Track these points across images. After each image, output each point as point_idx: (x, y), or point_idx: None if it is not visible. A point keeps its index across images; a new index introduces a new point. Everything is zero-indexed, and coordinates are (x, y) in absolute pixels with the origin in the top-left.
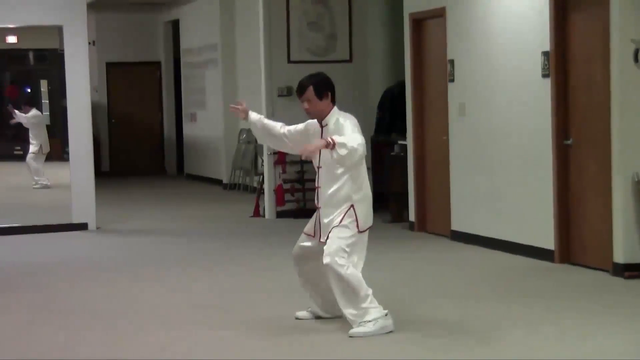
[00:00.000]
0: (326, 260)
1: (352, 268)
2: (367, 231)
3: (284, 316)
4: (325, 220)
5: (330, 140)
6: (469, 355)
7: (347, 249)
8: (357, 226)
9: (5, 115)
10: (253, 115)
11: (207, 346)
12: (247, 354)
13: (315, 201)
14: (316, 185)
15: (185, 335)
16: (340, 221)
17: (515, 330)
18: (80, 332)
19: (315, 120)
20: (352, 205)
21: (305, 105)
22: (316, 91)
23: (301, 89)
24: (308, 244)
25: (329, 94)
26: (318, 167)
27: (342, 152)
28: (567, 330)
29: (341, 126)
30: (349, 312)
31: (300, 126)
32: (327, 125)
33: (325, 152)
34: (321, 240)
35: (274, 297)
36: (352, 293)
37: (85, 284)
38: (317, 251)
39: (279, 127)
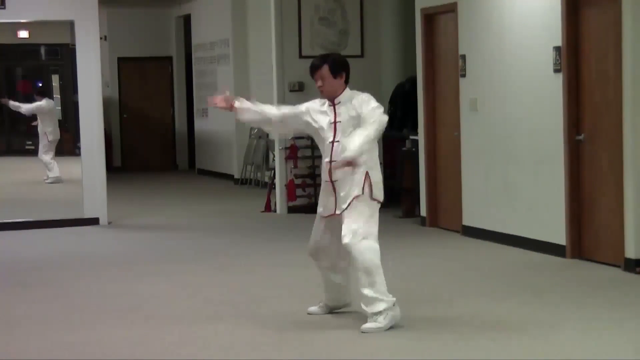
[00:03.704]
0: (346, 240)
1: (371, 252)
2: (379, 205)
3: (295, 311)
4: (342, 194)
5: (350, 161)
6: (479, 352)
7: (366, 226)
8: (371, 194)
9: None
10: (240, 103)
11: (219, 342)
12: (260, 350)
13: (327, 177)
14: (329, 159)
15: (197, 332)
16: (358, 193)
17: (526, 327)
18: (92, 328)
19: (320, 99)
20: (367, 173)
21: (319, 83)
22: (331, 69)
23: (315, 67)
24: (321, 239)
25: (344, 74)
26: (333, 142)
27: (366, 146)
28: (579, 326)
29: (361, 101)
30: (365, 292)
31: (301, 108)
32: (339, 103)
33: (343, 127)
34: (337, 212)
35: (285, 293)
36: (369, 276)
37: (97, 279)
38: (331, 243)
39: (272, 109)
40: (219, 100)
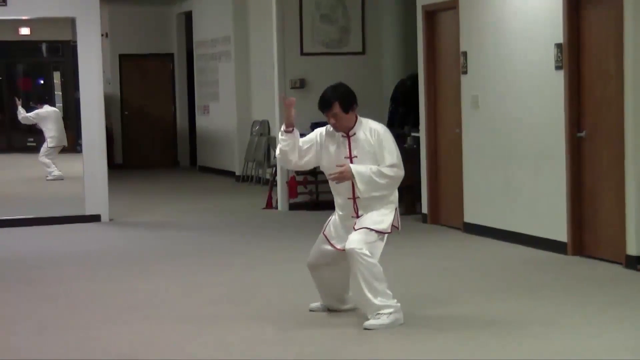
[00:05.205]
0: (350, 245)
1: (374, 259)
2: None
3: (297, 309)
4: (360, 219)
5: (351, 172)
6: (481, 350)
7: (372, 242)
8: (398, 226)
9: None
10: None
11: (219, 340)
12: (261, 347)
13: (353, 213)
14: (352, 196)
15: (198, 330)
16: (386, 230)
17: (527, 324)
18: (93, 326)
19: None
20: (396, 208)
21: (332, 120)
22: (343, 106)
23: (327, 105)
24: (325, 256)
25: (355, 105)
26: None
27: (363, 187)
28: (580, 324)
29: (381, 141)
30: (366, 299)
31: (312, 138)
32: (355, 134)
33: (360, 162)
34: (338, 247)
35: (287, 290)
36: (372, 283)
37: (98, 277)
38: (334, 259)
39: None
40: (291, 108)
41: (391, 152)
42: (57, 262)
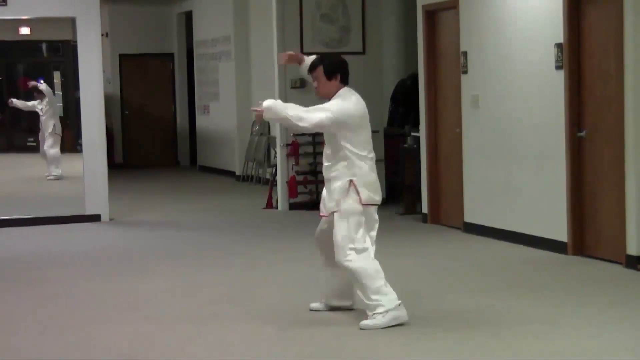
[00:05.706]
0: (337, 257)
1: (361, 261)
2: (375, 207)
3: (297, 308)
4: (326, 195)
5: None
6: (481, 350)
7: (353, 235)
8: (360, 201)
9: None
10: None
11: (220, 340)
12: (261, 347)
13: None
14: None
15: (198, 329)
16: (340, 202)
17: (528, 324)
18: (93, 326)
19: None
20: (351, 181)
21: (315, 83)
22: (325, 71)
23: (312, 67)
24: (325, 226)
25: (338, 75)
26: (323, 143)
27: (267, 115)
28: (580, 324)
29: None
30: (363, 300)
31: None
32: None
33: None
34: (321, 214)
35: (287, 289)
36: (363, 285)
37: (98, 277)
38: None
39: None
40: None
41: (333, 104)
42: (57, 262)
